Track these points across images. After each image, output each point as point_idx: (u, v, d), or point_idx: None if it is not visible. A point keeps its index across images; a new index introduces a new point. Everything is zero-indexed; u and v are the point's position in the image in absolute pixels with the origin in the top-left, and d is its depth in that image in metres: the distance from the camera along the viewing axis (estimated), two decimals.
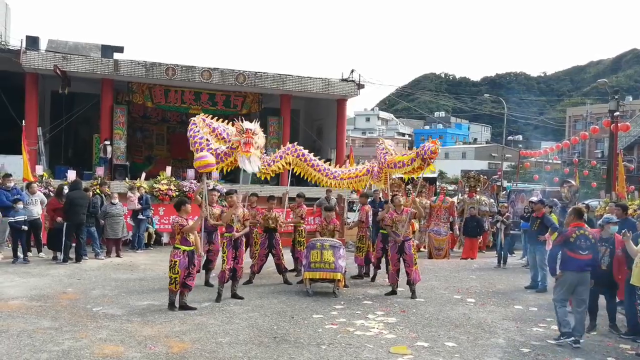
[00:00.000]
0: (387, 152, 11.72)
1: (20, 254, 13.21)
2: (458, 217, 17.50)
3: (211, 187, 12.00)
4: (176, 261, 8.87)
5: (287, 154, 12.17)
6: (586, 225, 8.32)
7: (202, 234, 10.94)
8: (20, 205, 13.07)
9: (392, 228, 10.72)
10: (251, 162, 9.97)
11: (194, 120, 11.02)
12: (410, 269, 10.44)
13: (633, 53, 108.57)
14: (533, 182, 36.80)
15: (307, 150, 12.51)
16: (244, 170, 10.82)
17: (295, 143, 12.72)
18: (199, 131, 10.70)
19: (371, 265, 12.32)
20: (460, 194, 20.03)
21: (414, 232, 11.47)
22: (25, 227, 13.11)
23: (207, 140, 10.45)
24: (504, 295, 10.93)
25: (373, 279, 11.94)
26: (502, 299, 10.61)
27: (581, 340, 7.77)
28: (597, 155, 52.51)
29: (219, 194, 12.18)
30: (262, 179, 12.63)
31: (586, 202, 19.98)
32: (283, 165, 12.13)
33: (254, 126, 10.17)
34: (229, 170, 11.28)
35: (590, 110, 57.90)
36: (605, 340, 8.08)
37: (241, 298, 9.80)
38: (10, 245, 13.58)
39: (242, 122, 10.13)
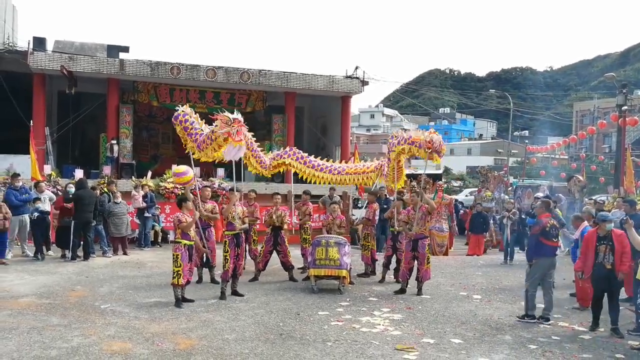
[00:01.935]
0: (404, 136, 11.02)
1: (27, 251, 13.46)
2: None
3: (205, 184, 11.99)
4: (178, 254, 9.05)
5: (284, 157, 12.09)
6: (553, 216, 9.41)
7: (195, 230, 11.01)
8: (39, 204, 13.47)
9: (408, 225, 10.72)
10: (239, 150, 9.93)
11: (185, 111, 10.91)
12: (422, 267, 10.47)
13: None
14: (540, 178, 36.70)
15: (306, 153, 12.39)
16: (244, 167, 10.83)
17: (294, 147, 12.69)
18: (193, 122, 10.64)
19: (376, 264, 12.33)
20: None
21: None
22: (36, 214, 13.41)
23: (199, 130, 10.46)
24: (511, 292, 10.94)
25: (382, 280, 11.82)
26: (508, 295, 10.62)
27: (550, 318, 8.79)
28: (605, 150, 52.25)
29: (210, 190, 12.21)
30: (253, 173, 12.61)
31: (594, 197, 19.94)
32: (278, 165, 12.08)
33: (239, 115, 10.17)
34: (204, 160, 11.01)
35: (598, 104, 57.61)
36: (614, 336, 8.08)
37: (241, 295, 9.87)
38: (19, 243, 13.74)
39: (224, 112, 10.10)
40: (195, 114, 10.89)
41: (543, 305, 8.83)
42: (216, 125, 9.58)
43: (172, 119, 10.75)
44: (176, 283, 9.07)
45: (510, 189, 24.22)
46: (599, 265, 8.28)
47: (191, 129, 10.46)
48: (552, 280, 9.04)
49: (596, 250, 8.31)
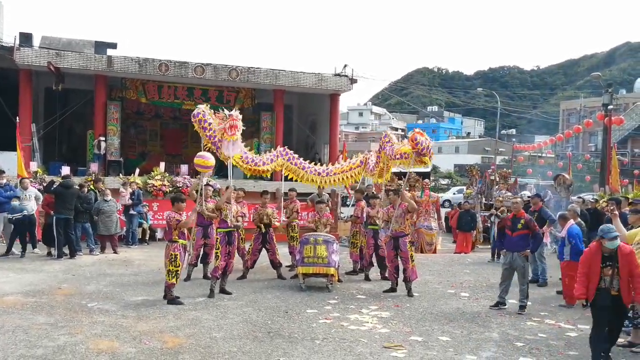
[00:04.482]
0: (392, 145, 11.37)
1: (13, 249, 13.32)
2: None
3: (205, 183, 12.00)
4: (177, 254, 9.05)
5: (279, 157, 12.11)
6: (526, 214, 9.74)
7: (197, 228, 11.03)
8: (16, 202, 13.22)
9: (388, 224, 10.69)
10: (234, 145, 9.95)
11: (204, 110, 10.86)
12: (407, 266, 10.35)
13: (627, 46, 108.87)
14: (526, 176, 36.90)
15: (297, 155, 12.45)
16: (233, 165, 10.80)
17: (286, 147, 12.71)
18: (211, 122, 10.59)
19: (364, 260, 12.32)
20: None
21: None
22: (13, 216, 13.19)
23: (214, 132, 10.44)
24: (498, 290, 10.95)
25: (367, 277, 11.83)
26: (496, 293, 10.59)
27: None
28: (591, 148, 52.71)
29: (212, 189, 12.18)
30: (248, 175, 12.68)
31: (580, 195, 20.08)
32: (273, 168, 12.10)
33: (235, 112, 10.18)
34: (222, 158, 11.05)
35: (584, 103, 58.10)
36: None
37: (229, 293, 9.85)
38: (4, 241, 13.59)
39: (223, 111, 10.08)
40: (211, 111, 10.72)
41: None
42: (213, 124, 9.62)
43: (192, 116, 10.63)
44: (174, 283, 9.08)
45: (497, 187, 24.18)
46: (603, 292, 6.63)
47: (208, 128, 10.41)
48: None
49: (600, 273, 6.65)
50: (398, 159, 10.89)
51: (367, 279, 11.78)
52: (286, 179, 12.53)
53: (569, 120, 60.11)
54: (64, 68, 18.49)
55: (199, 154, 9.92)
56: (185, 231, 9.29)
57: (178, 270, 9.06)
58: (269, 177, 12.98)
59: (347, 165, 12.64)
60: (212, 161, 9.95)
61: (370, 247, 11.78)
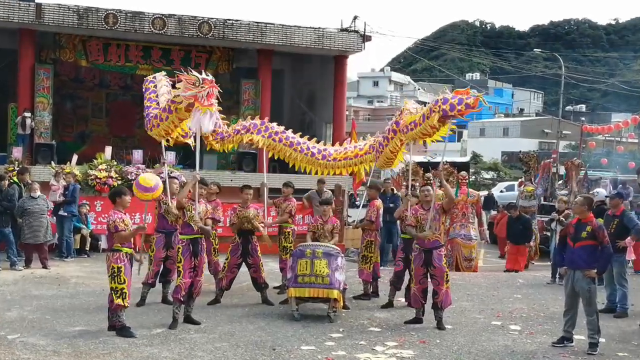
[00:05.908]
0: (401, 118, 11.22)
1: None
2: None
3: (169, 174, 11.97)
4: (120, 267, 9.02)
5: (252, 132, 12.07)
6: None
7: (157, 235, 11.05)
8: None
9: (417, 230, 10.62)
10: (211, 118, 9.92)
11: (154, 78, 11.00)
12: (439, 288, 10.28)
13: None
14: (601, 168, 36.93)
15: (282, 127, 12.41)
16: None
17: (266, 119, 12.71)
18: (154, 90, 10.69)
19: (379, 282, 12.32)
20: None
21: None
22: None
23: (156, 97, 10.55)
24: (560, 322, 10.92)
25: (389, 304, 11.75)
26: (557, 326, 10.62)
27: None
28: None
29: (178, 182, 12.17)
30: (208, 149, 12.77)
31: None
32: (240, 143, 12.08)
33: (210, 76, 10.20)
34: (166, 137, 11.12)
35: None
36: None
37: (197, 323, 9.88)
38: None
39: (190, 72, 10.06)
40: (167, 80, 10.83)
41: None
42: (179, 89, 9.56)
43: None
44: (122, 304, 9.04)
45: (560, 182, 24.23)
46: None
47: (148, 99, 10.44)
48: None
49: None
50: (409, 130, 10.66)
51: (390, 305, 11.72)
52: (275, 169, 12.55)
53: None
54: None
55: (139, 184, 9.51)
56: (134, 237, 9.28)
57: (124, 288, 9.02)
58: (226, 151, 12.97)
59: (353, 150, 12.47)
60: (160, 189, 9.69)
61: (398, 261, 11.76)
